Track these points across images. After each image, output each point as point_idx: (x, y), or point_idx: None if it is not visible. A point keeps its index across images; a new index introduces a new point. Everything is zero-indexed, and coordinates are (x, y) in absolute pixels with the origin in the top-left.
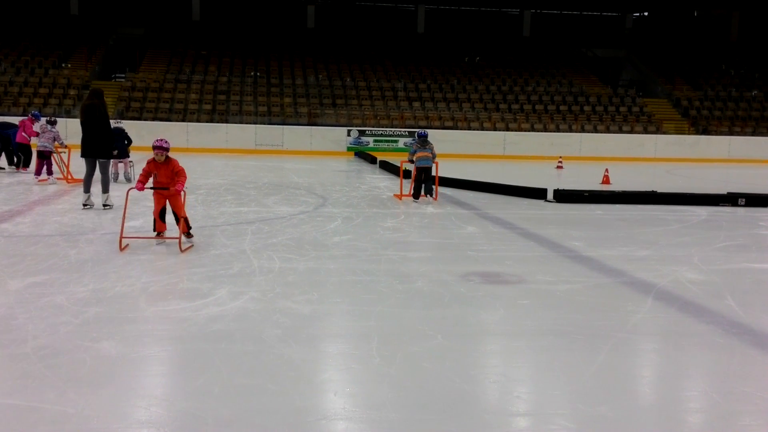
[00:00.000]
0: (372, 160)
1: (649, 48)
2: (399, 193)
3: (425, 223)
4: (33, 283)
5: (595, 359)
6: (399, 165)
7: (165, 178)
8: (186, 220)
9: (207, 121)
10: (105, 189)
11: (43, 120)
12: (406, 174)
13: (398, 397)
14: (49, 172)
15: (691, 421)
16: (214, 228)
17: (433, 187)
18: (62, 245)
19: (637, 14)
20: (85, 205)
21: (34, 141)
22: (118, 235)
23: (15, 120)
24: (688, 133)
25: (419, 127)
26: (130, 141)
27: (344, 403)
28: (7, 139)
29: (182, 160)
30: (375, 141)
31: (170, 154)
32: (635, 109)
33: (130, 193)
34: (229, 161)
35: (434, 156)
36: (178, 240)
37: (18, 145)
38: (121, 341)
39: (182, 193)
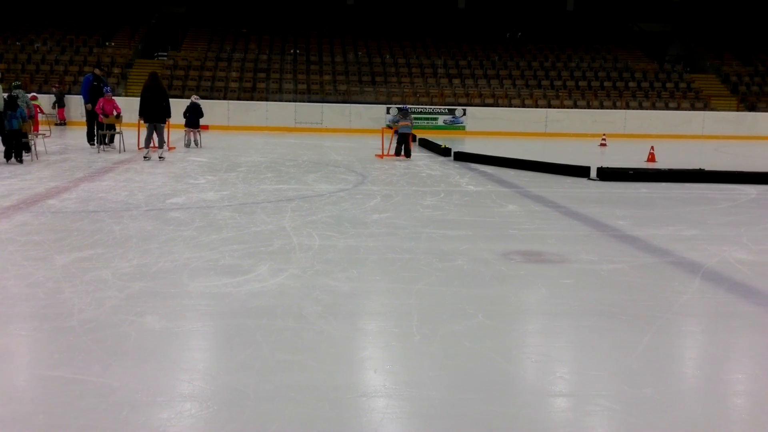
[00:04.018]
0: (411, 138)
1: (697, 22)
2: (381, 153)
3: (465, 201)
4: (79, 258)
5: (640, 340)
6: (440, 143)
7: None
8: None
9: (247, 99)
10: (161, 145)
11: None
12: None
13: (438, 376)
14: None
15: (739, 403)
16: (255, 205)
17: (410, 148)
18: (107, 221)
19: None
20: (145, 157)
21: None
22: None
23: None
24: (737, 110)
25: (459, 105)
26: (202, 114)
27: (384, 381)
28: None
29: (223, 138)
30: (414, 119)
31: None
32: (682, 85)
33: None
34: (269, 139)
35: (412, 125)
36: None
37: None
38: (164, 316)
39: None
